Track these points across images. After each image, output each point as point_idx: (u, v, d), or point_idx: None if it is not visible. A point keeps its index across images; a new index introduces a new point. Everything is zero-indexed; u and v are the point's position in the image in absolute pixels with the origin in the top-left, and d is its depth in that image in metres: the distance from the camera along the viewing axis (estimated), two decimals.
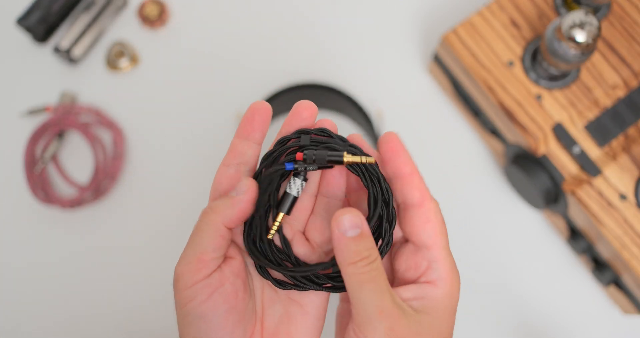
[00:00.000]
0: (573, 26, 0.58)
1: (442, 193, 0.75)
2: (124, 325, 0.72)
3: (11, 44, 0.78)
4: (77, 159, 0.76)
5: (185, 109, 0.77)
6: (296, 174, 0.40)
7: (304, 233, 0.42)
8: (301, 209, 0.42)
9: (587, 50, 0.59)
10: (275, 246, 0.40)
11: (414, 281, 0.38)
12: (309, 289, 0.40)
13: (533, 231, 0.75)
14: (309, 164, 0.39)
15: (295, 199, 0.40)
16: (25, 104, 0.77)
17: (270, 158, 0.40)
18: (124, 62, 0.77)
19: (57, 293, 0.73)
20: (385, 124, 0.75)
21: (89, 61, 0.78)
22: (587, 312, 0.73)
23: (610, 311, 0.72)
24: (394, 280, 0.41)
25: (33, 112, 0.75)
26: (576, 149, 0.64)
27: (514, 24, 0.68)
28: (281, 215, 0.40)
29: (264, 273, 0.40)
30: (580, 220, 0.66)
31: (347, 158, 0.38)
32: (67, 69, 0.78)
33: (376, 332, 0.35)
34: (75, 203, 0.72)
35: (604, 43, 0.67)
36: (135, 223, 0.74)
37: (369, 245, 0.36)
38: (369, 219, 0.39)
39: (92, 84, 0.77)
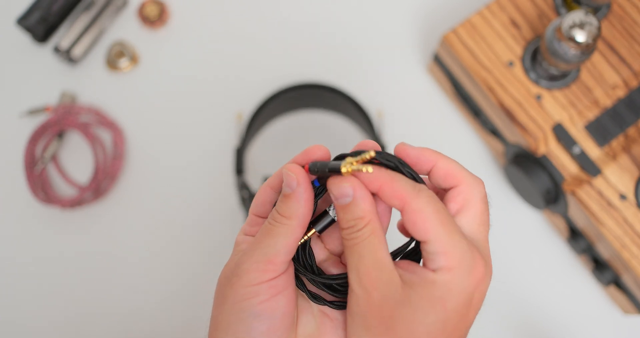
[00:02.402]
0: (573, 26, 0.58)
1: None
2: (124, 325, 0.72)
3: (11, 44, 0.78)
4: (77, 159, 0.76)
5: (185, 109, 0.77)
6: None
7: (339, 256, 0.42)
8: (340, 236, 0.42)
9: (587, 50, 0.59)
10: (303, 259, 0.40)
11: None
12: (342, 308, 0.39)
13: (533, 231, 0.75)
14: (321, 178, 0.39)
15: (332, 221, 0.40)
16: (25, 104, 0.77)
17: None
18: (124, 62, 0.77)
19: (57, 293, 0.73)
20: (385, 124, 0.75)
21: (89, 61, 0.78)
22: (587, 312, 0.73)
23: (610, 311, 0.72)
24: None
25: (33, 112, 0.75)
26: (576, 149, 0.64)
27: (514, 24, 0.68)
28: (313, 230, 0.39)
29: (301, 285, 0.40)
30: (580, 220, 0.66)
31: (345, 166, 0.38)
32: (67, 69, 0.78)
33: (353, 296, 0.36)
34: (75, 203, 0.72)
35: (604, 43, 0.67)
36: (135, 223, 0.74)
37: (357, 214, 0.36)
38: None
39: (92, 84, 0.77)
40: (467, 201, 0.39)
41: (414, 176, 0.38)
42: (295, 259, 0.40)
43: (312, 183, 0.39)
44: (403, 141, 0.40)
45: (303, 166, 0.39)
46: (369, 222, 0.36)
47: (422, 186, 0.36)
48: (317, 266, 0.41)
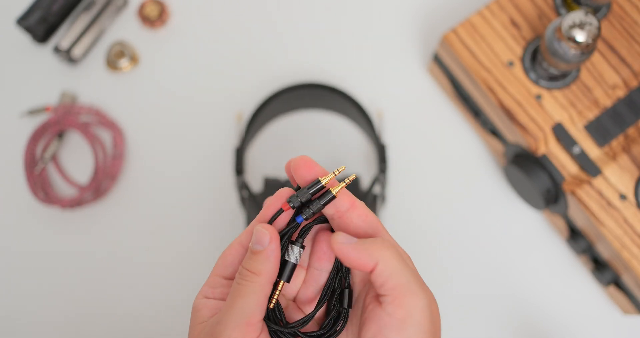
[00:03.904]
0: (573, 26, 0.58)
1: (441, 193, 0.75)
2: (124, 325, 0.72)
3: (11, 44, 0.78)
4: (77, 159, 0.76)
5: (185, 109, 0.77)
6: (293, 242, 0.41)
7: (294, 301, 0.43)
8: (294, 280, 0.43)
9: (587, 50, 0.59)
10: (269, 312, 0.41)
11: None
12: None
13: (533, 231, 0.75)
14: (305, 209, 0.40)
15: (294, 266, 0.41)
16: (25, 104, 0.77)
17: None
18: (124, 62, 0.77)
19: (57, 293, 0.73)
20: (385, 124, 0.75)
21: (89, 61, 0.78)
22: (587, 312, 0.73)
23: (610, 311, 0.72)
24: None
25: (33, 112, 0.75)
26: (576, 149, 0.65)
27: (514, 24, 0.68)
28: (282, 282, 0.40)
29: None
30: (580, 220, 0.66)
31: (332, 188, 0.39)
32: (67, 69, 0.78)
33: (419, 297, 0.37)
34: (75, 203, 0.72)
35: (604, 43, 0.67)
36: (135, 223, 0.74)
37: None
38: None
39: (92, 84, 0.77)
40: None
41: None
42: (266, 317, 0.40)
43: (295, 219, 0.40)
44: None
45: (280, 209, 0.40)
46: None
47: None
48: (286, 321, 0.41)
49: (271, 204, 0.40)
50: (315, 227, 0.42)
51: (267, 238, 0.39)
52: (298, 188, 0.41)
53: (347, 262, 0.38)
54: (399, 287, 0.37)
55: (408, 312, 0.36)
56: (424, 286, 0.38)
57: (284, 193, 0.40)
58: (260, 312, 0.38)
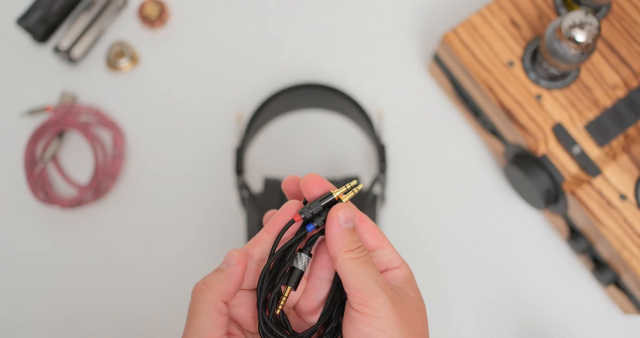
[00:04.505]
0: (573, 26, 0.58)
1: (441, 193, 0.75)
2: (124, 325, 0.72)
3: (11, 44, 0.78)
4: (77, 159, 0.76)
5: (185, 109, 0.77)
6: (302, 250, 0.41)
7: (294, 309, 0.44)
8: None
9: (587, 50, 0.59)
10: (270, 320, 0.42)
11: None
12: None
13: (533, 231, 0.75)
14: (316, 217, 0.41)
15: (301, 274, 0.41)
16: (25, 104, 0.77)
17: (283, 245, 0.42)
18: (124, 62, 0.77)
19: (57, 293, 0.73)
20: (385, 124, 0.75)
21: (89, 61, 0.78)
22: (587, 312, 0.73)
23: (610, 311, 0.72)
24: None
25: (33, 112, 0.75)
26: (576, 149, 0.65)
27: (514, 24, 0.68)
28: (289, 288, 0.41)
29: None
30: (580, 220, 0.66)
31: (342, 197, 0.41)
32: (67, 69, 0.78)
33: (383, 301, 0.38)
34: (75, 203, 0.72)
35: (604, 43, 0.67)
36: (135, 223, 0.74)
37: (358, 237, 0.41)
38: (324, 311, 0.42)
39: (92, 84, 0.77)
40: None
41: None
42: (274, 325, 0.41)
43: (305, 227, 0.41)
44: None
45: (292, 220, 0.41)
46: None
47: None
48: (292, 330, 0.42)
49: (279, 216, 0.41)
50: (319, 237, 0.43)
51: (235, 260, 0.40)
52: (305, 202, 0.42)
53: (327, 239, 0.40)
54: (357, 286, 0.39)
55: (371, 309, 0.38)
56: (384, 285, 0.39)
57: (292, 206, 0.41)
58: (217, 329, 0.39)
